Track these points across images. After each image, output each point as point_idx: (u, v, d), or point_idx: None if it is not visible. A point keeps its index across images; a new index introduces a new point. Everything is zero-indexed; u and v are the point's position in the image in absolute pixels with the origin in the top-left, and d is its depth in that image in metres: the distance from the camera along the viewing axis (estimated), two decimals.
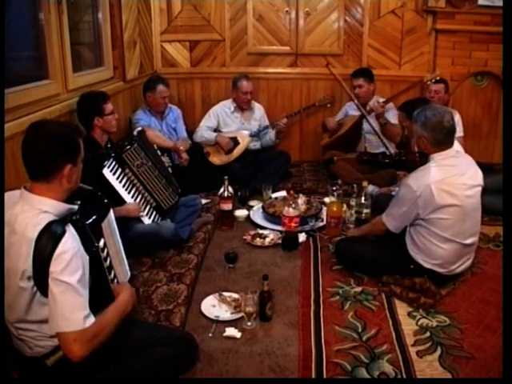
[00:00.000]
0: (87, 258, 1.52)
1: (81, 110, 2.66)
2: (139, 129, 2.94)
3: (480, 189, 2.39)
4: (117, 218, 1.92)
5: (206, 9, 4.29)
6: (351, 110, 4.06)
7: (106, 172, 2.53)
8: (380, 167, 2.71)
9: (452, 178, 2.28)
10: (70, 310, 1.42)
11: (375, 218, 2.65)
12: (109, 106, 2.68)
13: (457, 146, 2.99)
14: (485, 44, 4.07)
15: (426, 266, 2.37)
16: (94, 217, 1.67)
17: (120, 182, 2.60)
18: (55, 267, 1.41)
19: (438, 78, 3.59)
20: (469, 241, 2.37)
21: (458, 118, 3.81)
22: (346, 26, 4.28)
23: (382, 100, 3.87)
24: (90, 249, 1.55)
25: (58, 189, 1.54)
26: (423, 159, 2.37)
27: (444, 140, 2.31)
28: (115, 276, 1.83)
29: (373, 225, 2.64)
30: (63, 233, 1.44)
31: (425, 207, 2.29)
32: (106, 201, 1.82)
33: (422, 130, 2.31)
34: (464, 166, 2.36)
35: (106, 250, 1.74)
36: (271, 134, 4.08)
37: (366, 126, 3.93)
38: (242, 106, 4.02)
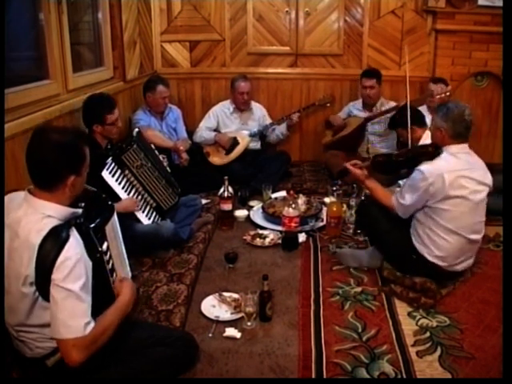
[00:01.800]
0: (90, 263, 1.50)
1: (84, 113, 2.64)
2: (137, 130, 2.94)
3: (487, 189, 2.40)
4: (118, 219, 1.91)
5: (206, 9, 4.29)
6: (355, 110, 4.07)
7: (105, 174, 2.52)
8: (395, 168, 2.68)
9: (465, 171, 2.30)
10: (71, 316, 1.41)
11: (387, 192, 2.57)
12: (112, 116, 2.61)
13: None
14: (485, 44, 4.07)
15: (430, 258, 2.37)
16: (97, 220, 1.66)
17: (119, 183, 2.60)
18: (58, 274, 1.40)
19: (448, 93, 3.57)
20: (473, 236, 2.38)
21: None
22: (346, 26, 4.28)
23: (388, 102, 3.89)
24: (94, 254, 1.54)
25: (62, 196, 1.52)
26: (437, 151, 2.37)
27: (463, 132, 2.34)
28: (117, 277, 1.82)
29: (384, 194, 2.56)
30: (66, 239, 1.43)
31: (435, 195, 2.30)
32: (109, 203, 1.81)
33: (442, 121, 2.34)
34: (476, 164, 2.39)
35: (108, 253, 1.72)
36: (282, 128, 4.08)
37: (370, 127, 3.93)
38: (240, 107, 4.02)
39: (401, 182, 3.09)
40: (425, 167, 2.32)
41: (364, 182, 2.66)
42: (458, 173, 2.29)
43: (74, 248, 1.43)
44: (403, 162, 2.51)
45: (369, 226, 2.69)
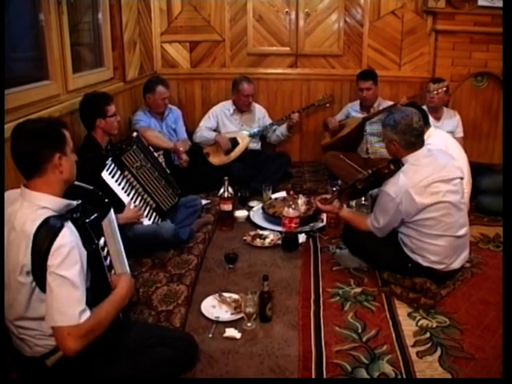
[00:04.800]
0: (85, 253, 1.52)
1: (83, 111, 2.66)
2: (135, 133, 2.94)
3: (460, 180, 2.40)
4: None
5: (206, 9, 4.29)
6: (353, 111, 4.07)
7: (105, 175, 2.52)
8: (362, 193, 2.73)
9: (430, 177, 2.28)
10: (66, 304, 1.42)
11: (362, 217, 2.60)
12: (111, 108, 2.67)
13: (454, 144, 2.98)
14: (485, 45, 4.07)
15: (425, 264, 2.36)
16: (94, 215, 1.68)
17: (119, 184, 2.60)
18: (53, 261, 1.42)
19: (445, 88, 3.57)
20: (461, 232, 2.37)
21: (457, 118, 3.82)
22: (346, 26, 4.28)
23: (386, 102, 3.88)
24: (90, 246, 1.56)
25: (54, 181, 1.55)
26: (398, 165, 2.38)
27: (415, 141, 2.33)
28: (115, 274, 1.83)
29: (359, 222, 2.58)
30: (61, 227, 1.45)
31: (408, 212, 2.30)
32: (106, 200, 1.82)
33: (393, 134, 2.33)
34: (440, 161, 2.37)
35: (106, 249, 1.74)
36: (282, 129, 4.09)
37: (369, 127, 3.93)
38: (242, 108, 4.02)
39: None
40: (390, 188, 2.32)
41: (338, 215, 2.71)
42: (425, 181, 2.27)
43: (69, 236, 1.46)
44: (368, 186, 2.55)
45: (358, 250, 2.66)
